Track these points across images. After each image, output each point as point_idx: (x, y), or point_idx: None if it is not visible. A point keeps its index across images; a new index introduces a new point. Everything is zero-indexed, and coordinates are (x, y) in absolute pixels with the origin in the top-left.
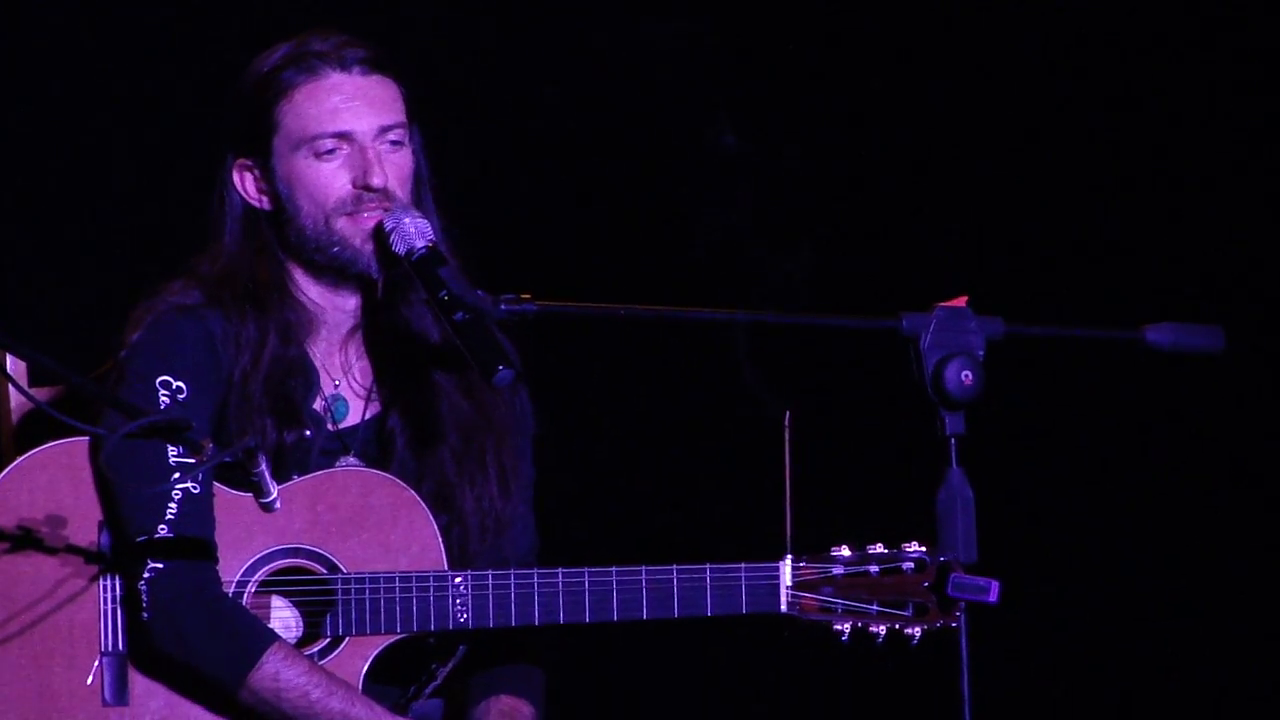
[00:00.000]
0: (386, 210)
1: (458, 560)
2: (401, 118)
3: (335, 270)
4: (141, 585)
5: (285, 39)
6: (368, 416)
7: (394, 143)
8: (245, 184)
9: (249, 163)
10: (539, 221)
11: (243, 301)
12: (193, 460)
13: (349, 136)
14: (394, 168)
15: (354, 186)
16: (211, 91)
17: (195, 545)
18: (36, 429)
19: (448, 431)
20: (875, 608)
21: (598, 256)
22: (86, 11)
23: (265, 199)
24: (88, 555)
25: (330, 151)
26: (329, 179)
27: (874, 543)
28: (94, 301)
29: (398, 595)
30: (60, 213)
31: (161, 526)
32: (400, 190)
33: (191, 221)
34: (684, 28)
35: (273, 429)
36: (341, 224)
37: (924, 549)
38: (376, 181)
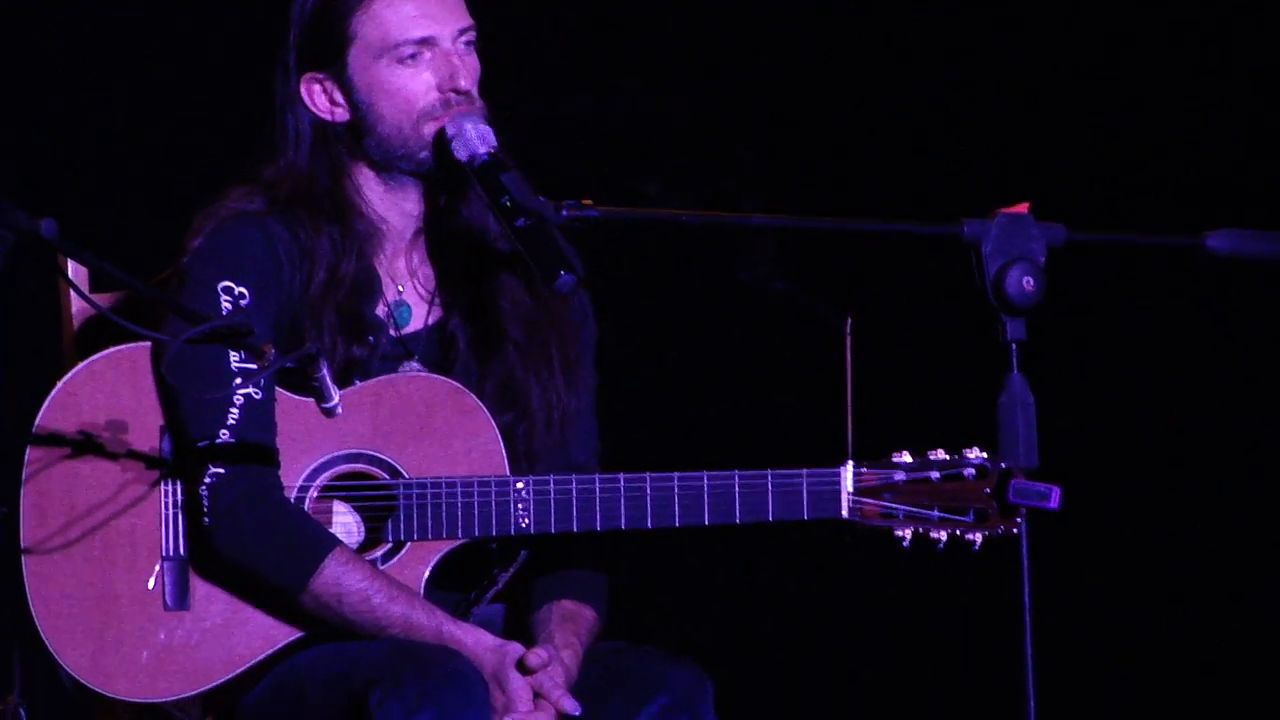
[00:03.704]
0: (464, 112)
1: (524, 458)
2: (471, 20)
3: (414, 175)
4: (203, 490)
5: None
6: (431, 321)
7: (468, 43)
8: (316, 98)
9: (320, 76)
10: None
11: (312, 213)
12: (254, 365)
13: (431, 41)
14: (472, 69)
15: (440, 91)
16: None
17: (257, 450)
18: (98, 335)
19: (511, 330)
20: (936, 513)
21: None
22: None
23: (340, 111)
24: (149, 460)
25: (413, 57)
26: (415, 85)
27: (935, 449)
28: (156, 206)
29: (459, 500)
30: (121, 118)
31: (223, 431)
32: (476, 91)
33: (255, 128)
34: None
35: (338, 338)
36: (429, 128)
37: (985, 455)
38: (465, 84)
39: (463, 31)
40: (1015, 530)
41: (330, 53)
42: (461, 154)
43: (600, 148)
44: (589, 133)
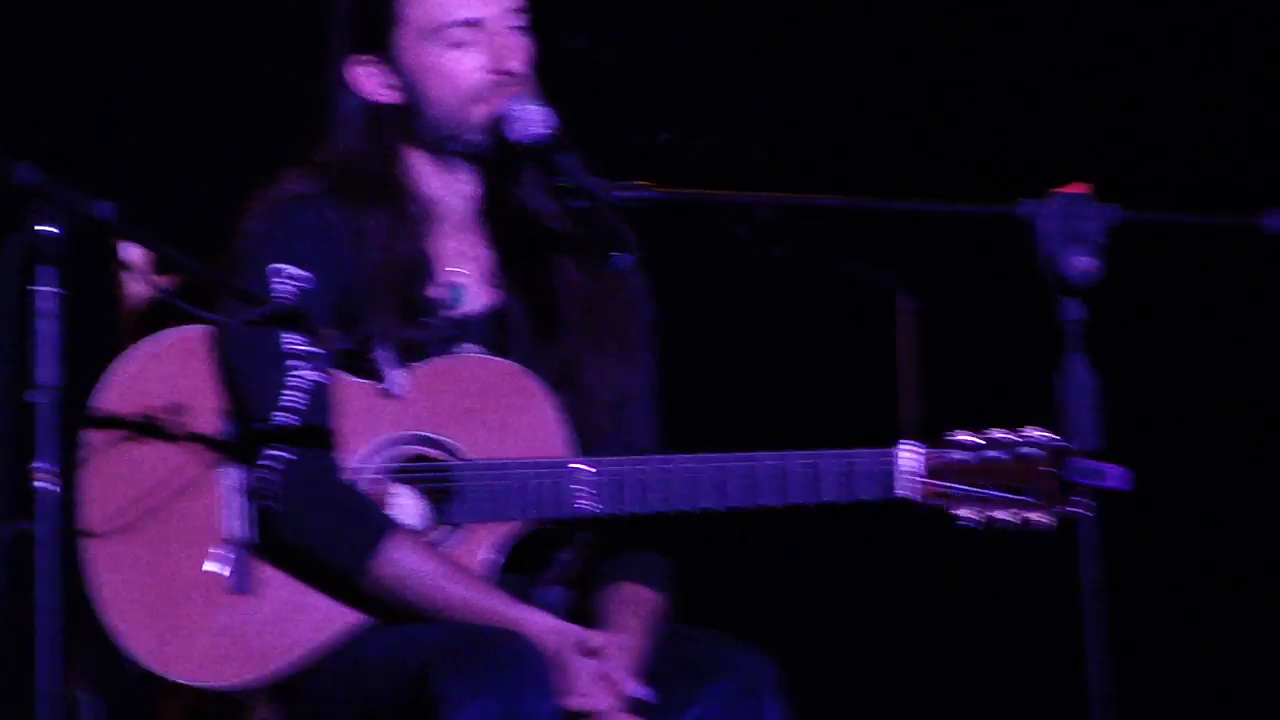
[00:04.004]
0: (518, 93)
1: (583, 440)
2: (523, 1)
3: (466, 157)
4: (263, 473)
5: None
6: (488, 303)
7: (520, 26)
8: (365, 81)
9: (369, 59)
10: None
11: (365, 196)
12: (312, 348)
13: (480, 23)
14: (523, 50)
15: (490, 72)
16: None
17: (316, 432)
18: (156, 318)
19: (569, 310)
20: (995, 493)
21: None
22: None
23: (390, 94)
24: (209, 443)
25: (462, 39)
26: (464, 67)
27: (995, 429)
28: (212, 189)
29: (519, 481)
30: (178, 102)
31: (281, 415)
32: (528, 73)
33: (308, 114)
34: None
35: (395, 322)
36: (479, 110)
37: (1045, 434)
38: (514, 66)
39: (512, 12)
40: (1077, 510)
41: (378, 35)
42: (518, 135)
43: (603, 91)
44: (588, 75)
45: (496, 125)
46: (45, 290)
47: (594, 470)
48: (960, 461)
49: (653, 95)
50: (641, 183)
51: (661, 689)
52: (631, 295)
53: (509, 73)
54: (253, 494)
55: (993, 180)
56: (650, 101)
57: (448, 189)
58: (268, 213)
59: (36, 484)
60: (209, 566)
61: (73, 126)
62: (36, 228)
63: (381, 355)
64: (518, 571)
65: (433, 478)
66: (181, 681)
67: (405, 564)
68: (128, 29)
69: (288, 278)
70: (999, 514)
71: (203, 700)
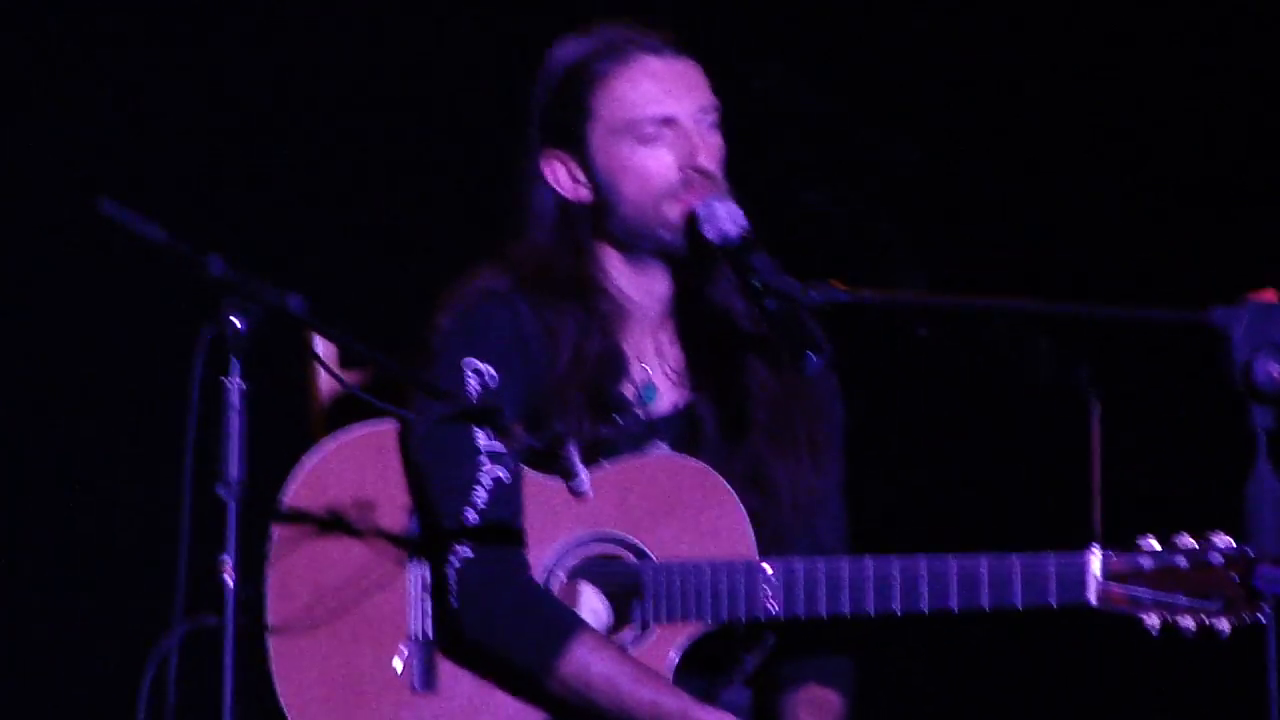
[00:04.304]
0: (711, 191)
1: (771, 542)
2: (714, 98)
3: (657, 255)
4: (450, 571)
5: (574, 32)
6: (678, 403)
7: (711, 124)
8: (558, 176)
9: (561, 155)
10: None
11: (556, 293)
12: (502, 446)
13: (672, 120)
14: (714, 149)
15: (681, 170)
16: (515, 84)
17: (504, 531)
18: (346, 412)
19: (758, 411)
20: (1183, 600)
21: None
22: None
23: (581, 190)
24: (396, 540)
25: (655, 136)
26: (656, 164)
27: (1182, 534)
28: (404, 285)
29: (707, 583)
30: (372, 196)
31: (470, 512)
32: (719, 171)
33: (503, 210)
34: None
35: (586, 419)
36: (671, 208)
37: (1232, 542)
38: (705, 163)
39: (704, 110)
40: (1262, 618)
41: (571, 130)
42: (711, 234)
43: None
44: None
45: (689, 223)
46: (234, 383)
47: (783, 572)
48: (1148, 568)
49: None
50: (835, 284)
51: None
52: (822, 397)
53: (701, 170)
54: (440, 591)
55: (1186, 283)
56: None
57: (639, 287)
58: (460, 308)
59: (223, 577)
60: (394, 664)
61: (264, 220)
62: (227, 320)
63: (571, 453)
64: (703, 672)
65: (621, 578)
66: None
67: (592, 666)
68: (322, 125)
69: (479, 374)
70: (1183, 620)
71: None
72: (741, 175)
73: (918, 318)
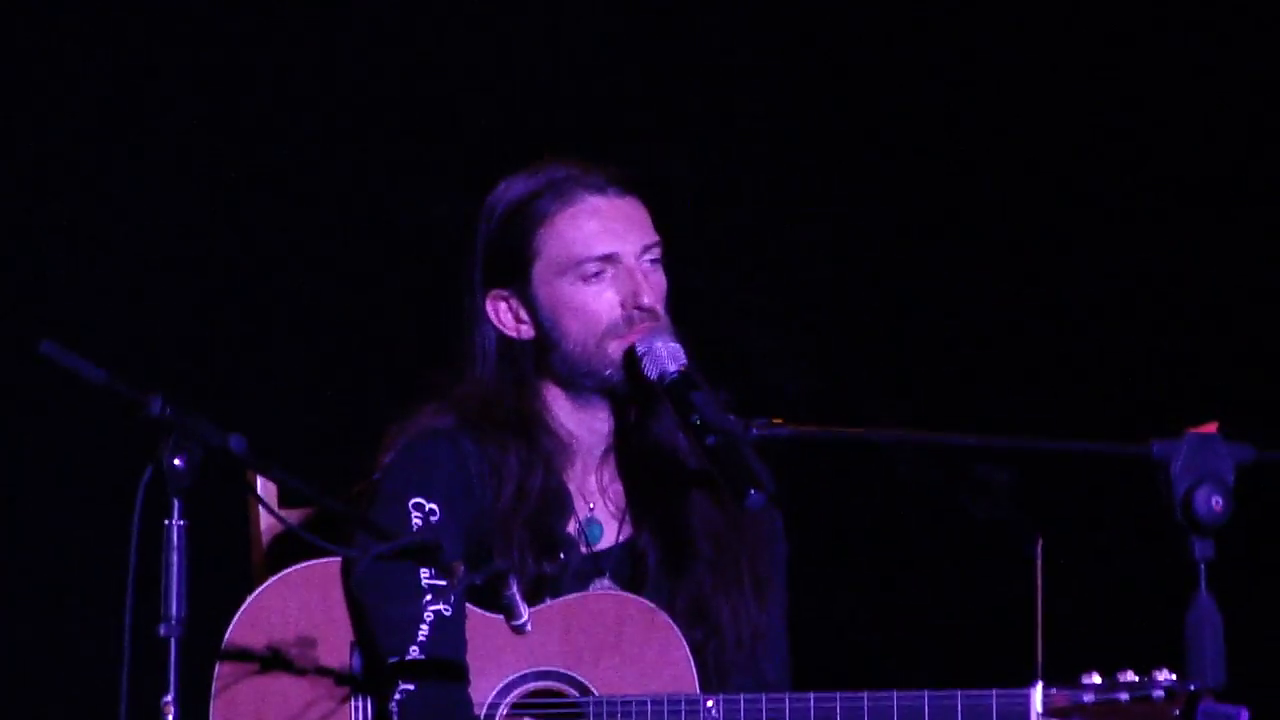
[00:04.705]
0: (652, 329)
1: (714, 675)
2: (656, 236)
3: (600, 392)
4: (393, 707)
5: (513, 172)
6: (621, 538)
7: (653, 261)
8: (501, 315)
9: (505, 293)
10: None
11: (500, 431)
12: (444, 582)
13: (614, 258)
14: (656, 286)
15: (624, 308)
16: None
17: (447, 667)
18: (287, 550)
19: (701, 545)
20: None
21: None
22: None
23: (525, 328)
24: (339, 676)
25: (597, 274)
26: (598, 302)
27: (1124, 669)
28: (347, 423)
29: (649, 717)
30: (310, 335)
31: (413, 648)
32: (661, 308)
33: (444, 348)
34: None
35: (528, 554)
36: (614, 346)
37: (1174, 676)
38: (648, 301)
39: (647, 248)
40: None
41: (514, 269)
42: (651, 372)
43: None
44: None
45: (629, 360)
46: (175, 523)
47: (725, 707)
48: (1090, 703)
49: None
50: (775, 420)
51: None
52: (764, 531)
53: (643, 308)
54: None
55: (1124, 416)
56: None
57: (581, 423)
58: (404, 446)
59: (165, 717)
60: None
61: (203, 358)
62: (167, 460)
63: (513, 590)
64: None
65: (564, 714)
66: None
67: None
68: (264, 261)
69: (421, 512)
70: None
71: None
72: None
73: (862, 452)
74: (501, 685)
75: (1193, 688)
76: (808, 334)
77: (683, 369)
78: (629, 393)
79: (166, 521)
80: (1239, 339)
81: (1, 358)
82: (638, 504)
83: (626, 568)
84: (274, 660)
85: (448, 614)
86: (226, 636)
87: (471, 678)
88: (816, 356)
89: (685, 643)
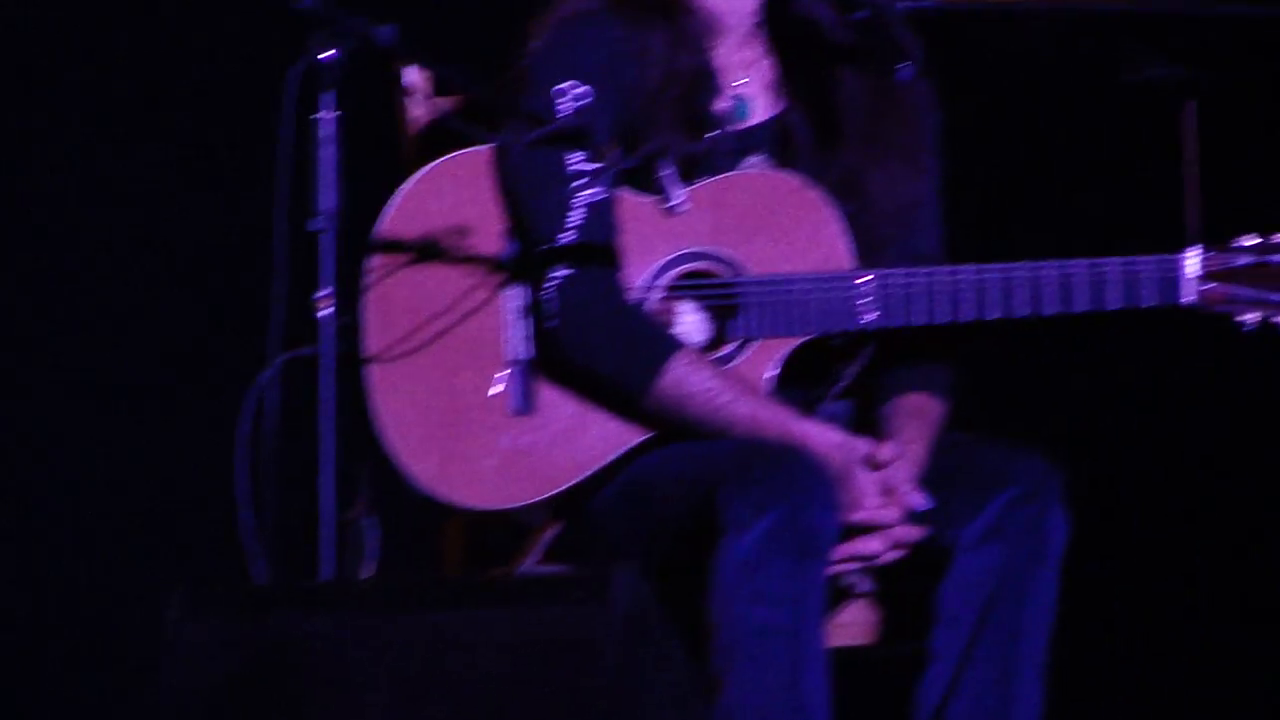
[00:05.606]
0: None
1: (867, 249)
2: None
3: None
4: (548, 293)
5: None
6: (771, 114)
7: None
8: None
9: None
10: None
11: (644, 10)
12: (597, 166)
13: None
14: None
15: None
16: None
17: (600, 251)
18: (438, 141)
19: (852, 118)
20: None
21: None
22: None
23: None
24: (492, 265)
25: None
26: None
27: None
28: (493, 8)
29: (805, 296)
30: None
31: (566, 233)
32: None
33: None
34: None
35: (678, 135)
36: None
37: None
38: None
39: None
40: None
41: None
42: None
43: None
44: None
45: None
46: (326, 116)
47: (880, 282)
48: (1245, 266)
49: None
50: None
51: (946, 498)
52: (916, 103)
53: None
54: (536, 314)
55: None
56: None
57: (727, 2)
58: (552, 31)
59: (319, 312)
60: (492, 389)
61: None
62: (316, 54)
63: (665, 172)
64: (803, 387)
65: (717, 294)
66: (465, 505)
67: (689, 383)
68: None
69: (571, 96)
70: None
71: (485, 523)
72: None
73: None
74: (655, 268)
75: None
76: None
77: None
78: None
79: (317, 115)
80: None
81: None
82: (787, 79)
83: (777, 144)
84: (427, 251)
85: (601, 197)
86: (378, 229)
87: (623, 260)
88: None
89: (838, 217)
